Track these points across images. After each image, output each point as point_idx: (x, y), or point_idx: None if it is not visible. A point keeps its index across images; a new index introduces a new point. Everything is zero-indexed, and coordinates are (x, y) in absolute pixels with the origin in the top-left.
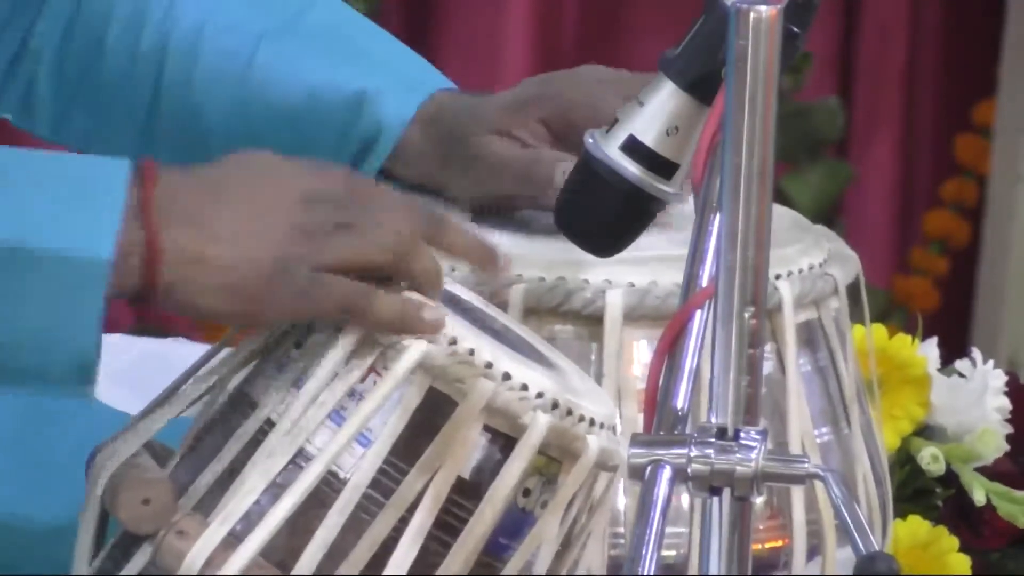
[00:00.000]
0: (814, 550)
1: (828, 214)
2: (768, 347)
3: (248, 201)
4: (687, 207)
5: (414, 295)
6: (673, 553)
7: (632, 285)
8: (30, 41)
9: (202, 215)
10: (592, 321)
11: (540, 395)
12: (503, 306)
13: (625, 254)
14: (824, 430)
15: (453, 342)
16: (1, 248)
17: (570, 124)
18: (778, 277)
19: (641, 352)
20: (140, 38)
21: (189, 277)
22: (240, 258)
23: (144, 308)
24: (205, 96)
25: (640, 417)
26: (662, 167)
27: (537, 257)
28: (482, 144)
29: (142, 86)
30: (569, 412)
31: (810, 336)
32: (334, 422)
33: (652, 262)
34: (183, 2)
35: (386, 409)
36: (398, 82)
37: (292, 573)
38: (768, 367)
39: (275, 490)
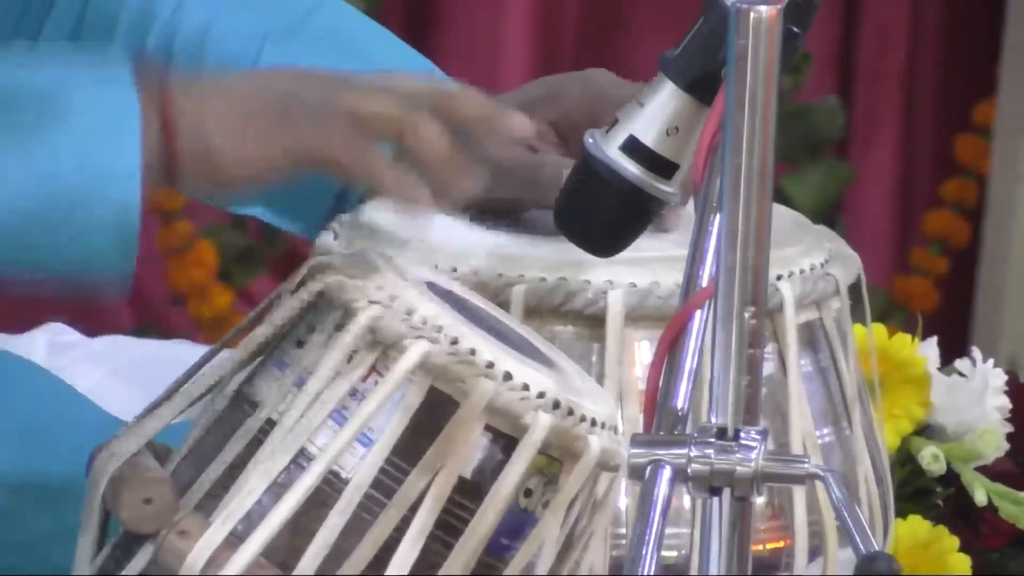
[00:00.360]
0: (815, 551)
1: (828, 214)
2: (769, 348)
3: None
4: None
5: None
6: (674, 554)
7: (634, 285)
8: (38, 41)
9: (207, 80)
10: (594, 322)
11: (541, 395)
12: (504, 306)
13: (626, 254)
14: (825, 430)
15: (455, 342)
16: (35, 94)
17: (576, 127)
18: (779, 278)
19: (643, 353)
20: (146, 39)
21: (205, 113)
22: (253, 90)
23: (174, 178)
24: None
25: (641, 417)
26: (662, 167)
27: (538, 257)
28: (487, 147)
29: None
30: (570, 412)
31: (811, 336)
32: (336, 422)
33: (653, 262)
34: (189, 3)
35: (387, 409)
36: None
37: (294, 573)
38: (769, 367)
39: (277, 490)
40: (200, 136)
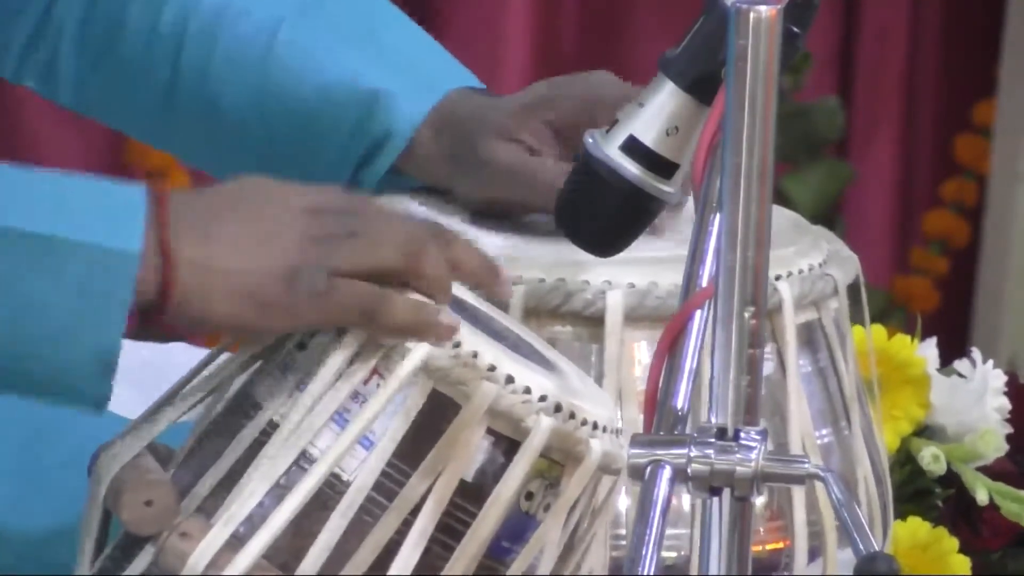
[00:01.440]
0: (815, 551)
1: (828, 214)
2: (769, 348)
3: (256, 215)
4: (687, 209)
5: (426, 299)
6: (674, 555)
7: (632, 286)
8: (52, 13)
9: (213, 227)
10: (592, 322)
11: (543, 398)
12: (503, 307)
13: (625, 255)
14: (825, 431)
15: (456, 345)
16: (36, 236)
17: (577, 128)
18: (778, 278)
19: (642, 353)
20: (159, 18)
21: (205, 284)
22: (254, 265)
23: (155, 321)
24: (222, 82)
25: (641, 418)
26: (662, 167)
27: (537, 258)
28: (489, 149)
29: (160, 66)
30: (572, 415)
31: (810, 337)
32: (337, 424)
33: (652, 263)
34: None
35: (389, 412)
36: (414, 80)
37: (295, 575)
38: (769, 368)
39: (278, 492)
40: (203, 310)
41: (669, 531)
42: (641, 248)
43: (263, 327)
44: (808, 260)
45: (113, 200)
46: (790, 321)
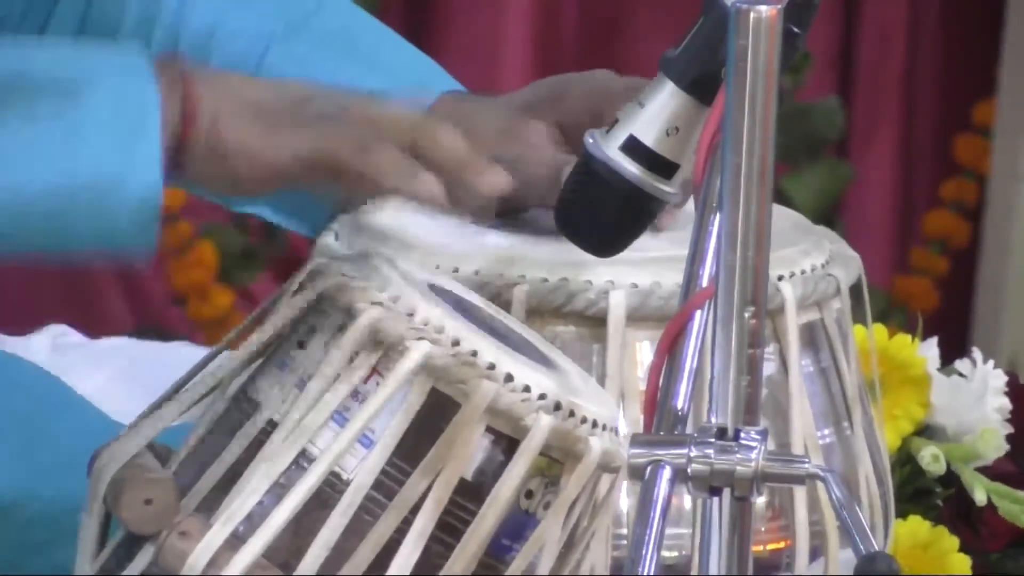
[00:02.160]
0: (817, 551)
1: (828, 214)
2: (771, 348)
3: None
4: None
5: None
6: (675, 554)
7: (635, 286)
8: (47, 32)
9: (230, 75)
10: (595, 322)
11: (542, 397)
12: (506, 306)
13: (628, 255)
14: (826, 431)
15: (456, 343)
16: (58, 81)
17: (579, 126)
18: (781, 278)
19: (644, 353)
20: (151, 38)
21: (222, 108)
22: (265, 91)
23: (180, 164)
24: None
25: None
26: (662, 167)
27: (540, 258)
28: (486, 149)
29: None
30: (571, 414)
31: (813, 337)
32: (337, 423)
33: (655, 263)
34: (194, 3)
35: (389, 410)
36: (405, 86)
37: (295, 574)
38: (771, 368)
39: (278, 491)
40: (215, 132)
41: (670, 530)
42: (644, 248)
43: (268, 153)
44: (811, 260)
45: (124, 55)
46: (793, 321)
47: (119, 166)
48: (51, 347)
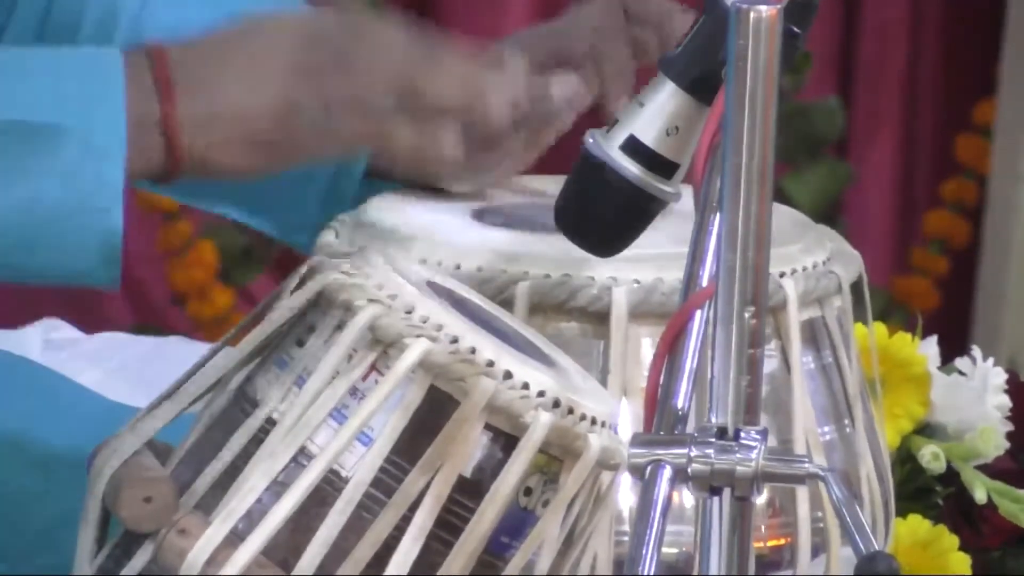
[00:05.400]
0: (818, 548)
1: (828, 214)
2: (772, 345)
3: (247, 54)
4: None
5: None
6: (675, 551)
7: (638, 282)
8: (2, 39)
9: (208, 78)
10: (598, 318)
11: (541, 394)
12: (508, 303)
13: (630, 251)
14: (828, 428)
15: (455, 340)
16: (18, 125)
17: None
18: (782, 275)
19: (647, 350)
20: (112, 37)
21: (207, 136)
22: (248, 106)
23: (170, 181)
24: None
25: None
26: (662, 167)
27: (542, 254)
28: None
29: None
30: (571, 411)
31: (814, 334)
32: (336, 420)
33: (658, 259)
34: (154, 3)
35: (387, 407)
36: None
37: (294, 572)
38: (772, 365)
39: (277, 488)
40: (203, 161)
41: (671, 527)
42: (646, 244)
43: (271, 167)
44: (812, 257)
45: (93, 75)
46: (794, 318)
47: (81, 206)
48: (44, 342)
